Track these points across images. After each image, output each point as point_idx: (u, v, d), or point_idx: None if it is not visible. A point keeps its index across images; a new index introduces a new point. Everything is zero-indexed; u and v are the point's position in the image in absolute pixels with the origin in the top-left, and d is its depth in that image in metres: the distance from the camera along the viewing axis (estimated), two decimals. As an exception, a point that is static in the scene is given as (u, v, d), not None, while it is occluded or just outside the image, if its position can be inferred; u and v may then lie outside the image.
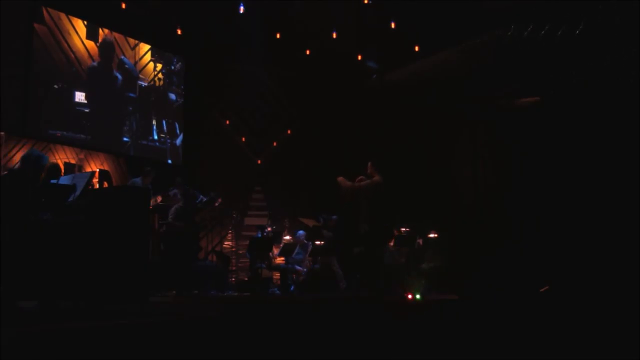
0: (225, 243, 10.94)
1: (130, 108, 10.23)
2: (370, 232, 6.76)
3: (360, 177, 7.10)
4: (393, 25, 9.16)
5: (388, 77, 11.32)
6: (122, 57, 10.14)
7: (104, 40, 9.82)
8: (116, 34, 10.02)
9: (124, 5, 8.91)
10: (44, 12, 8.86)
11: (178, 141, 11.05)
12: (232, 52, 10.56)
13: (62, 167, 6.53)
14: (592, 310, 4.88)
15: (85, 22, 9.48)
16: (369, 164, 7.07)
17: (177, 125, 11.09)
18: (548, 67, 7.68)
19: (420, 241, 9.25)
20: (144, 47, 10.58)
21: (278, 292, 8.79)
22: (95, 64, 9.66)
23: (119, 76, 10.06)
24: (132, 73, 10.29)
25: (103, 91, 9.76)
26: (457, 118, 9.45)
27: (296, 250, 9.21)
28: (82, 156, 9.18)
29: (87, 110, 9.40)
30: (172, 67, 11.11)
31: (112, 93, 9.95)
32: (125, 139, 10.07)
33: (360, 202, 6.84)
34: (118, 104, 10.05)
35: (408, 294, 7.41)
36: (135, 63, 10.39)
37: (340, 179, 7.04)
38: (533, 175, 7.73)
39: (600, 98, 7.01)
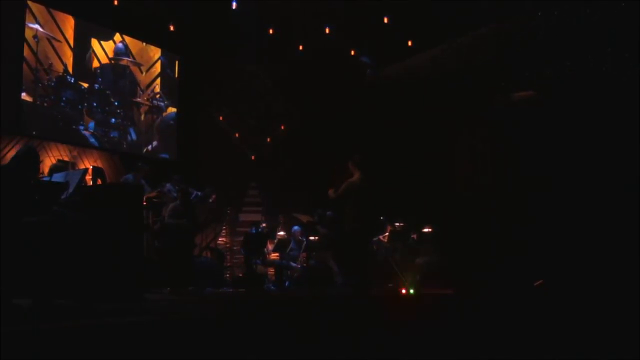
0: (220, 239, 10.92)
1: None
2: (355, 230, 6.69)
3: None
4: (386, 20, 9.17)
5: (384, 73, 11.30)
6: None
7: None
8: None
9: (116, 2, 8.85)
10: (38, 10, 8.79)
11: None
12: (228, 49, 10.54)
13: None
14: (592, 310, 4.90)
15: (80, 21, 9.42)
16: (349, 163, 6.80)
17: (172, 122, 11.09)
18: (547, 64, 7.68)
19: (415, 236, 9.28)
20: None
21: (273, 288, 8.80)
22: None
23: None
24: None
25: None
26: (456, 114, 9.44)
27: (291, 246, 9.21)
28: (75, 153, 9.15)
29: (81, 108, 9.39)
30: (167, 64, 11.08)
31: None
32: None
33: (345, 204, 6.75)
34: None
35: (402, 289, 7.44)
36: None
37: (330, 191, 6.80)
38: (532, 172, 7.74)
39: (600, 96, 7.02)
